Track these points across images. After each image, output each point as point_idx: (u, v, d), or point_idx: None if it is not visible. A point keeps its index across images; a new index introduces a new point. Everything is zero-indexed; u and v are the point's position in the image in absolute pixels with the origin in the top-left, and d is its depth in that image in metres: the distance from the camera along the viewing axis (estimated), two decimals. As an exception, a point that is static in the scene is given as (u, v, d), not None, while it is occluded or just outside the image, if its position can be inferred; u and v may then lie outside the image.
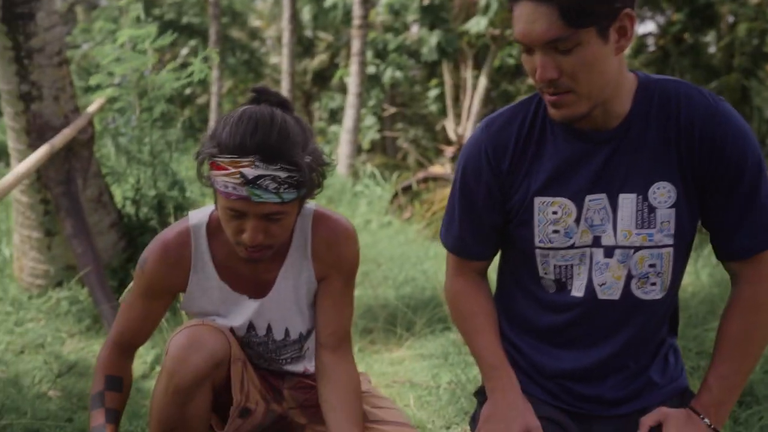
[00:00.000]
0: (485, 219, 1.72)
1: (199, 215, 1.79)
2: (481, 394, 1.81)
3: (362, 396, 1.86)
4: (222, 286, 1.80)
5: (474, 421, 1.79)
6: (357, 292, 3.12)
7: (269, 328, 1.84)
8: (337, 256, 1.80)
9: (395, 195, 7.63)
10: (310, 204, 1.80)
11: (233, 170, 1.54)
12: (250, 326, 1.83)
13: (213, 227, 1.76)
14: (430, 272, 4.79)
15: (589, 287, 1.65)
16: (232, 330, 1.82)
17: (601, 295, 1.64)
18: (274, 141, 1.55)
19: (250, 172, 1.53)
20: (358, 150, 10.22)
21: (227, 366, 1.75)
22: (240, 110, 1.60)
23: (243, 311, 1.82)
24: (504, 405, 1.69)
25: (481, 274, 1.84)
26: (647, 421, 1.65)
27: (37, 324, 3.74)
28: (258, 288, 1.81)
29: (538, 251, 1.67)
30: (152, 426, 1.74)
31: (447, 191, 6.99)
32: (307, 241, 1.79)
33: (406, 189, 7.54)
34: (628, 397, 1.69)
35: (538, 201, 1.65)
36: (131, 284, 1.84)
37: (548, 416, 1.69)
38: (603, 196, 1.61)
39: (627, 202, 1.60)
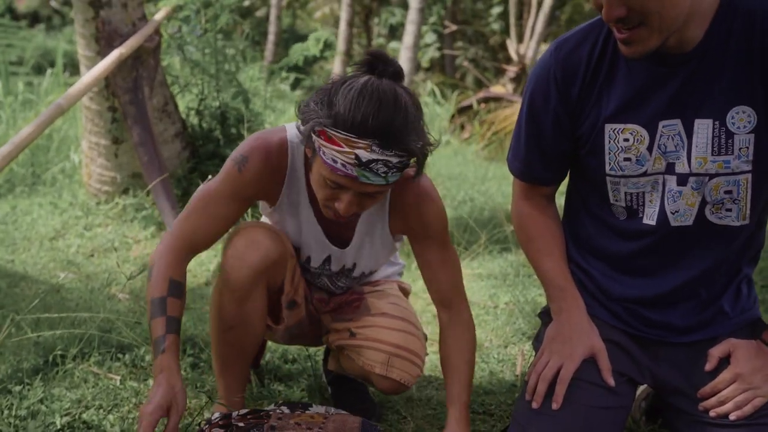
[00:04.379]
0: (553, 145, 1.68)
1: (296, 132, 1.68)
2: (545, 315, 1.82)
3: (390, 301, 1.90)
4: (310, 212, 1.78)
5: (538, 340, 1.80)
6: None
7: (343, 268, 1.88)
8: (420, 220, 1.76)
9: (454, 114, 7.54)
10: None
11: (347, 149, 1.47)
12: (326, 260, 1.86)
13: (314, 159, 1.66)
14: (488, 193, 4.76)
15: (662, 215, 1.61)
16: (309, 259, 1.85)
17: (673, 222, 1.61)
18: (396, 127, 1.47)
19: (365, 156, 1.47)
20: (417, 68, 10.06)
21: (282, 266, 1.78)
22: (361, 82, 1.49)
23: (321, 248, 1.83)
24: (569, 326, 1.69)
25: (548, 198, 1.82)
26: (716, 352, 1.64)
27: (105, 229, 3.87)
28: (338, 235, 1.82)
29: (608, 179, 1.64)
30: (212, 325, 1.80)
31: (507, 112, 6.88)
32: (386, 198, 1.75)
33: (466, 108, 7.44)
34: (698, 326, 1.67)
35: (609, 128, 1.60)
36: (213, 182, 1.71)
37: (613, 339, 1.70)
38: (677, 121, 1.55)
39: (703, 128, 1.54)
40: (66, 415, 1.93)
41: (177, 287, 1.64)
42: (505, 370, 2.38)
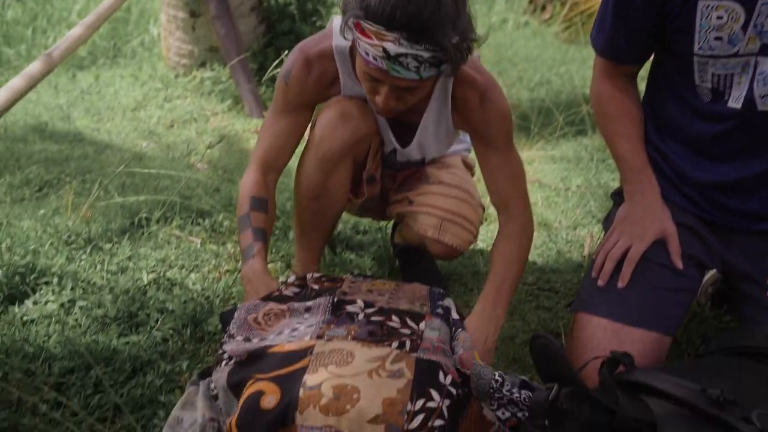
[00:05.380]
0: (640, 21, 1.61)
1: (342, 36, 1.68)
2: (618, 196, 1.81)
3: (449, 172, 1.93)
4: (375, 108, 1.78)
5: (608, 221, 1.80)
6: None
7: (408, 161, 1.91)
8: (482, 120, 1.72)
9: (535, -7, 7.23)
10: None
11: (377, 42, 1.46)
12: (392, 152, 1.88)
13: (356, 51, 1.64)
14: (566, 76, 4.63)
15: (749, 98, 1.55)
16: (382, 142, 1.86)
17: (761, 107, 1.55)
18: (424, 19, 1.42)
19: (393, 49, 1.45)
20: (498, -57, 9.61)
21: (367, 142, 1.81)
22: None
23: (388, 141, 1.85)
24: (642, 208, 1.68)
25: (630, 78, 1.77)
26: (790, 241, 1.62)
27: (183, 101, 3.96)
28: (401, 129, 1.83)
29: (696, 59, 1.57)
30: (298, 193, 1.85)
31: (591, -8, 6.55)
32: (448, 94, 1.74)
33: (548, -12, 7.12)
34: (775, 214, 1.65)
35: (702, 4, 1.51)
36: (272, 103, 1.80)
37: (686, 223, 1.68)
38: None
39: None
40: (152, 272, 2.07)
41: (258, 202, 1.74)
42: (573, 250, 2.40)
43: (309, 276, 1.67)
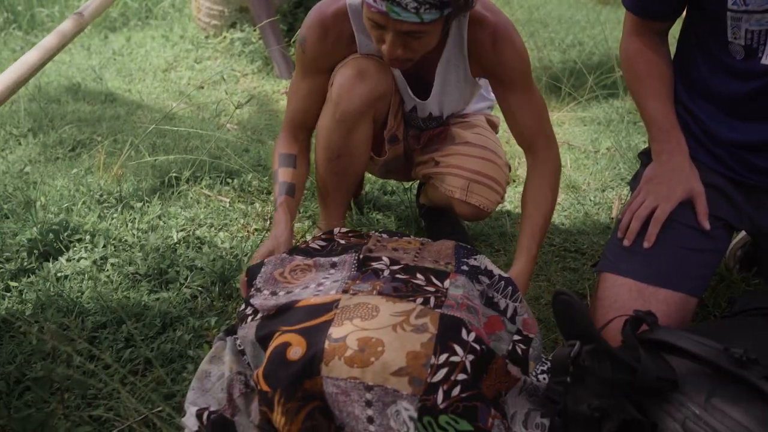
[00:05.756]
0: None
1: None
2: (645, 156, 1.79)
3: (474, 131, 1.94)
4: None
5: (635, 180, 1.78)
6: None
7: (430, 115, 1.91)
8: (497, 62, 1.72)
9: (569, -48, 7.08)
10: None
11: None
12: (413, 109, 1.89)
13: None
14: (599, 38, 4.55)
15: (784, 55, 1.52)
16: (402, 100, 1.87)
17: (794, 65, 1.52)
18: None
19: None
20: None
21: (387, 100, 1.81)
22: None
23: (407, 99, 1.85)
24: (669, 168, 1.67)
25: (660, 35, 1.74)
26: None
27: (213, 62, 3.97)
28: (420, 87, 1.82)
29: (729, 14, 1.54)
30: (319, 154, 1.87)
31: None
32: (463, 41, 1.73)
33: (582, -54, 6.96)
34: (806, 173, 1.62)
35: None
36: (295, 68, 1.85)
37: (715, 184, 1.66)
38: None
39: None
40: (181, 230, 2.10)
41: (286, 158, 1.83)
42: (601, 212, 2.38)
43: (336, 230, 1.68)
